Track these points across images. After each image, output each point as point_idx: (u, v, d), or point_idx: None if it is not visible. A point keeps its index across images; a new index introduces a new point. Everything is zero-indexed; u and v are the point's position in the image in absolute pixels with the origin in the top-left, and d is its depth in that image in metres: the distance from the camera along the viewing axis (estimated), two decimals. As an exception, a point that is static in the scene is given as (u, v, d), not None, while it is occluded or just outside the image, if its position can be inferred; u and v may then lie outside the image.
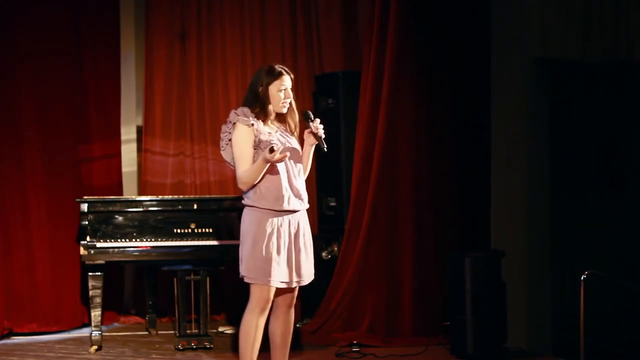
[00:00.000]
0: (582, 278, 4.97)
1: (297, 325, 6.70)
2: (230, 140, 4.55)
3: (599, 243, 6.16)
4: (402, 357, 5.98)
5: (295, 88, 7.49)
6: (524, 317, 6.21)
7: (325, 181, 7.26)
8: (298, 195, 4.57)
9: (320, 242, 7.01)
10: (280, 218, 4.52)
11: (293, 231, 4.56)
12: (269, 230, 4.49)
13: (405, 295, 6.44)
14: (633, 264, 5.93)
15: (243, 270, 4.53)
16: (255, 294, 4.54)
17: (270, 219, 4.50)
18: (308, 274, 4.63)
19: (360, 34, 7.47)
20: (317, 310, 6.70)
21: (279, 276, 4.50)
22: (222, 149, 4.61)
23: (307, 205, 4.67)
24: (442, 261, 6.25)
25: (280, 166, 4.52)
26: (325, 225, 7.20)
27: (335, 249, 6.95)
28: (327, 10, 7.58)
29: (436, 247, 6.47)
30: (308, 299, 7.08)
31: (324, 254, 7.00)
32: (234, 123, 4.53)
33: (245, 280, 4.54)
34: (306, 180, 7.58)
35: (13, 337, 6.77)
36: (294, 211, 4.56)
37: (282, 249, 4.51)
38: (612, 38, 5.68)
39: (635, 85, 5.92)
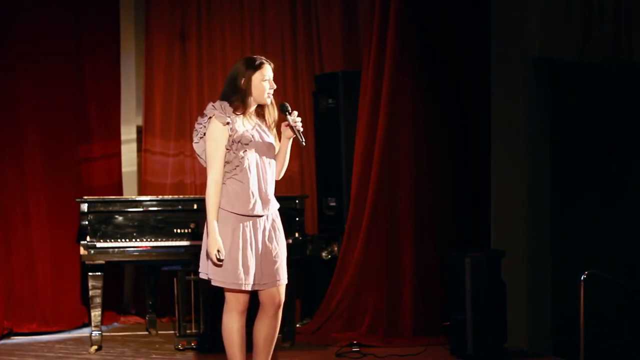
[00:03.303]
0: (582, 278, 4.97)
1: (297, 325, 6.70)
2: (204, 134, 4.41)
3: (599, 243, 6.15)
4: (402, 357, 5.98)
5: (295, 88, 7.62)
6: (524, 317, 6.20)
7: (325, 181, 7.26)
8: (265, 201, 4.43)
9: (320, 242, 7.01)
10: (243, 219, 4.38)
11: (260, 232, 4.42)
12: (231, 231, 4.36)
13: (405, 295, 6.44)
14: (633, 264, 5.92)
15: (210, 273, 4.39)
16: (228, 297, 4.43)
17: (232, 220, 4.37)
18: (282, 275, 4.47)
19: (360, 34, 7.47)
20: (317, 310, 6.70)
21: (246, 278, 4.35)
22: (196, 142, 4.47)
23: (276, 207, 4.53)
24: (442, 261, 6.25)
25: (252, 169, 4.39)
26: (325, 225, 7.20)
27: (335, 249, 6.94)
28: (327, 10, 7.57)
29: (436, 247, 6.48)
30: (308, 299, 7.08)
31: (324, 254, 6.99)
32: (210, 117, 4.39)
33: (213, 283, 4.40)
34: (306, 181, 7.62)
35: (13, 337, 6.77)
36: (258, 216, 4.42)
37: (247, 250, 4.36)
38: (612, 38, 5.67)
39: (635, 85, 5.90)
